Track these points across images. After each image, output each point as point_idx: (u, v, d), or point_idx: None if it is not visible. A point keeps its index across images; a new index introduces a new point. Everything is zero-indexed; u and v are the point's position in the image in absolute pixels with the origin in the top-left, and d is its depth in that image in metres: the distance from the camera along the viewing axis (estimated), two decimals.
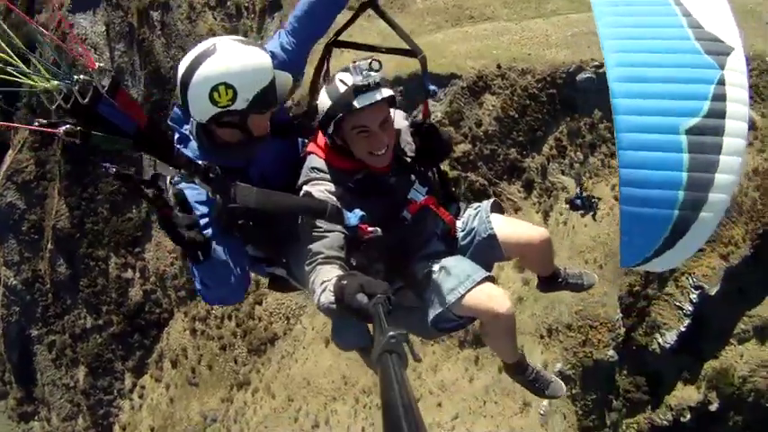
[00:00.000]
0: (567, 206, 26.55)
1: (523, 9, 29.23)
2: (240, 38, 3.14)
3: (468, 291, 3.24)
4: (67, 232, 36.25)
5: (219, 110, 3.01)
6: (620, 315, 25.55)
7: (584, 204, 26.33)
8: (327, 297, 2.85)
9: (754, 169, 26.14)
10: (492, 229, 3.66)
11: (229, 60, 2.98)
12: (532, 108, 26.39)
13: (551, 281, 4.37)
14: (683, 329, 26.08)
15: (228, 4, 33.31)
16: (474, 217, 3.77)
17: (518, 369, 4.06)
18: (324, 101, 3.24)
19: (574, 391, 25.52)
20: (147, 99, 33.97)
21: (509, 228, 3.73)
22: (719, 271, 26.03)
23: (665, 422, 27.17)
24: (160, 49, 33.82)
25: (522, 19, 28.80)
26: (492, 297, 3.26)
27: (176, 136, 3.38)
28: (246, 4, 33.03)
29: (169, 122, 3.43)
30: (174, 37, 33.63)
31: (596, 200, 25.75)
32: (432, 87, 3.58)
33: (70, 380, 37.22)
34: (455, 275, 3.32)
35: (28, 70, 2.33)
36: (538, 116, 26.42)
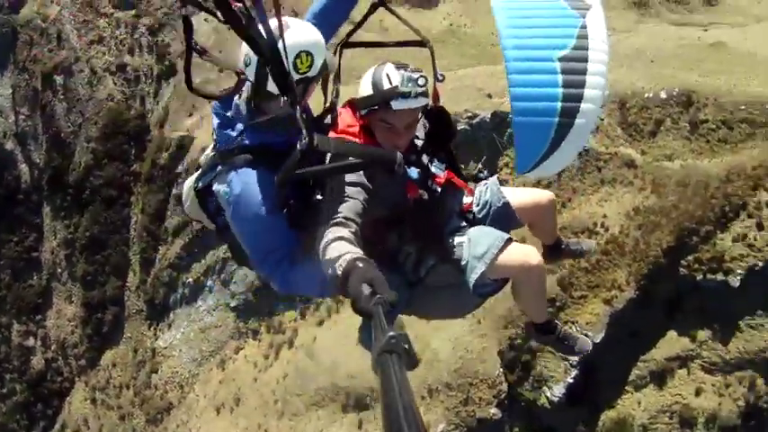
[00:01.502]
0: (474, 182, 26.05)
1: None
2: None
3: (500, 251, 3.46)
4: None
5: (299, 77, 3.15)
6: (501, 370, 24.74)
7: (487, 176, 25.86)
8: (335, 269, 2.78)
9: (634, 208, 25.83)
10: (505, 197, 3.90)
11: (305, 32, 3.21)
12: None
13: (555, 248, 4.59)
14: (571, 381, 25.23)
15: (128, 69, 33.48)
16: (485, 191, 3.96)
17: (548, 328, 4.22)
18: (366, 85, 3.43)
19: None
20: (48, 164, 33.82)
21: (519, 194, 4.02)
22: (604, 317, 25.38)
23: None
24: (61, 113, 33.77)
25: None
26: (522, 251, 3.56)
27: (217, 122, 3.44)
28: (145, 71, 33.18)
29: (212, 111, 3.49)
30: (75, 101, 33.63)
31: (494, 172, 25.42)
32: (440, 73, 3.75)
33: None
34: (483, 241, 3.54)
35: None
36: None
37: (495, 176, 4.10)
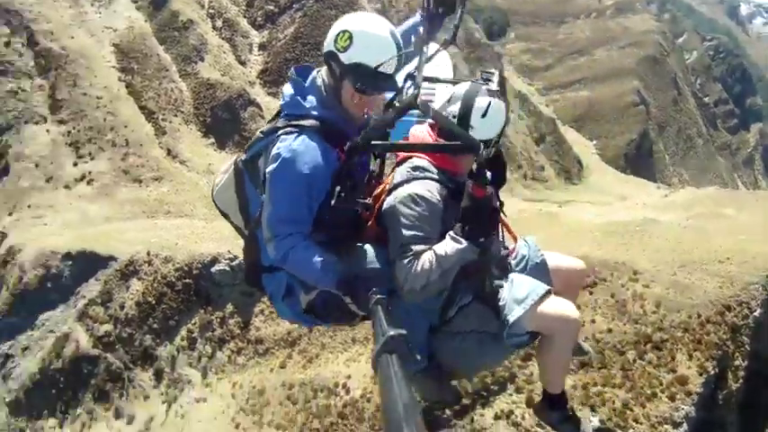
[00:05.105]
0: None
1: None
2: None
3: (540, 299, 3.44)
4: None
5: (332, 50, 3.25)
6: None
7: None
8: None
9: None
10: (543, 256, 3.92)
11: (366, 19, 3.28)
12: (169, 296, 27.55)
13: None
14: None
15: None
16: (524, 246, 3.98)
17: (562, 401, 3.95)
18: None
19: None
20: None
21: (554, 257, 4.02)
22: None
23: None
24: None
25: (216, 218, 30.48)
26: (562, 303, 3.51)
27: (291, 91, 3.44)
28: None
29: (290, 77, 3.51)
30: None
31: None
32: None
33: None
34: (525, 286, 3.51)
35: None
36: (173, 305, 27.52)
37: (534, 236, 4.14)
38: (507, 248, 3.89)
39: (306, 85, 3.42)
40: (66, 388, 28.68)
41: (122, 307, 28.21)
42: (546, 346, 3.60)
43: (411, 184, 3.36)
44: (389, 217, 3.36)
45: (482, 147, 3.21)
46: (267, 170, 3.25)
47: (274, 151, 3.25)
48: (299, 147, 3.20)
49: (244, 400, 26.46)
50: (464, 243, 3.16)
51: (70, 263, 29.51)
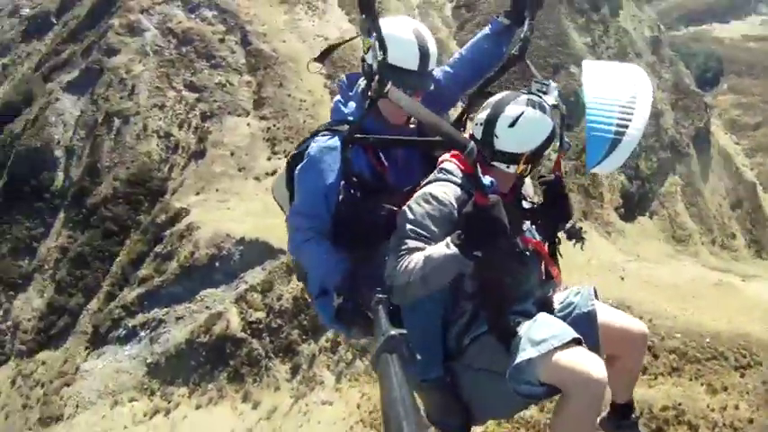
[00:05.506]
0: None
1: None
2: (426, 31, 3.33)
3: (561, 346, 2.82)
4: None
5: (362, 55, 3.31)
6: None
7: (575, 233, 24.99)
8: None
9: None
10: (594, 306, 3.32)
11: (388, 21, 3.22)
12: None
13: (624, 414, 3.64)
14: None
15: (171, 138, 38.92)
16: (575, 294, 3.47)
17: None
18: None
19: None
20: (79, 183, 38.98)
21: (610, 312, 3.44)
22: None
23: None
24: (106, 149, 39.22)
25: None
26: (588, 357, 2.83)
27: (338, 97, 3.55)
28: (184, 145, 38.68)
29: (339, 83, 3.63)
30: (121, 145, 39.11)
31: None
32: (567, 140, 3.39)
33: None
34: (547, 328, 2.94)
35: None
36: None
37: (593, 286, 3.56)
38: (555, 290, 3.49)
39: (351, 92, 3.51)
40: (206, 363, 30.02)
41: (279, 298, 29.51)
42: (560, 406, 2.95)
43: (431, 185, 3.13)
44: (400, 214, 3.10)
45: (470, 146, 2.90)
46: (297, 167, 3.40)
47: (310, 147, 3.37)
48: (325, 147, 3.28)
49: (367, 412, 26.03)
50: (452, 250, 2.79)
51: (241, 248, 31.39)
